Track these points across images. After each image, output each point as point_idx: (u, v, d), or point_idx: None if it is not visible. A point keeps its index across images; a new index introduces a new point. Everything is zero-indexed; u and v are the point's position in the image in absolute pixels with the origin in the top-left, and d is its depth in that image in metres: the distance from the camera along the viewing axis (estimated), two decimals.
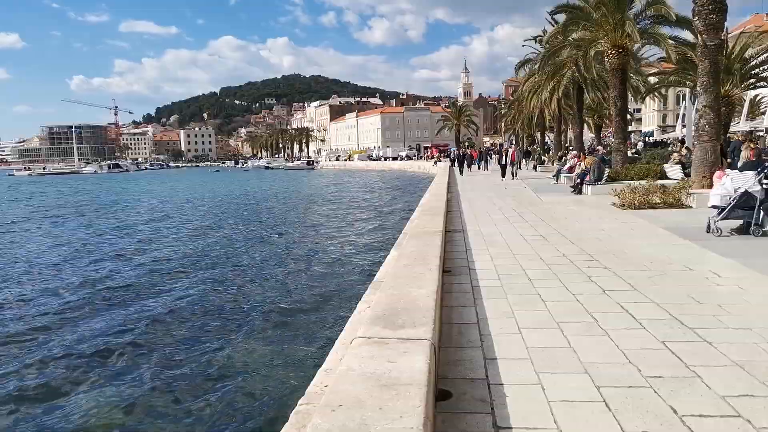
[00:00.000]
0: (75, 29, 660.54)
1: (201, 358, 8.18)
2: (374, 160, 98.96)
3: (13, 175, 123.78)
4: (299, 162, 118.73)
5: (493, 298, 5.21)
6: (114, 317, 10.48)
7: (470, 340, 4.06)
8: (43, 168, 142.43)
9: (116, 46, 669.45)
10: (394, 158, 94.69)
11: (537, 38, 33.80)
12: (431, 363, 2.82)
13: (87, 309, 11.15)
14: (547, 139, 57.84)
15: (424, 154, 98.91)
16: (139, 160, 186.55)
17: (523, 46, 47.77)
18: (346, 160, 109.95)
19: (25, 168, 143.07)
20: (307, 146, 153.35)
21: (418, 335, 3.15)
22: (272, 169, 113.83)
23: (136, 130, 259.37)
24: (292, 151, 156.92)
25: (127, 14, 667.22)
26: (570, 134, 60.71)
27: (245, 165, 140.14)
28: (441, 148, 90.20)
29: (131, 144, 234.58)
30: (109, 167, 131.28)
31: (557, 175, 22.41)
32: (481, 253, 7.62)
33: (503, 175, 24.57)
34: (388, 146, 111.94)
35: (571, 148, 43.45)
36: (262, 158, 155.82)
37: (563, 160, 34.70)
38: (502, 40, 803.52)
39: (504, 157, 25.29)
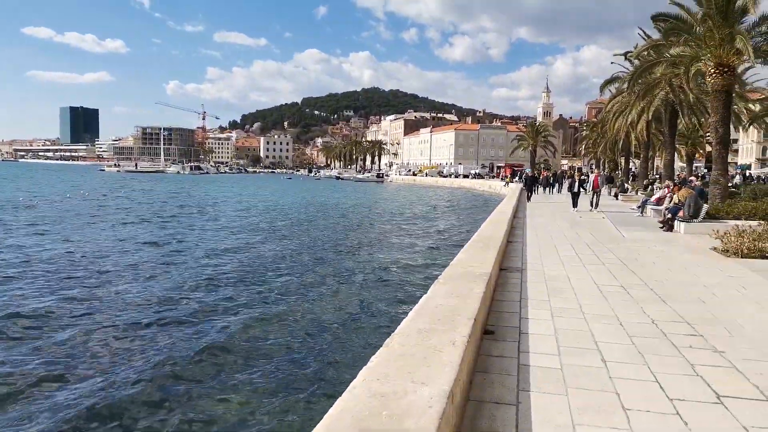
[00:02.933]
0: (173, 37, 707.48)
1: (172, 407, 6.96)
2: (444, 176, 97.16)
3: (103, 170, 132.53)
4: (369, 174, 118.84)
5: (547, 393, 3.55)
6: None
7: None
8: (134, 166, 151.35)
9: (210, 54, 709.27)
10: (465, 176, 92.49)
11: (627, 54, 30.97)
12: None
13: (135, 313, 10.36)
14: (631, 165, 53.82)
15: (497, 173, 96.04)
16: (222, 163, 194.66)
17: (611, 63, 43.56)
18: (415, 174, 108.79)
19: (115, 165, 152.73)
20: (380, 159, 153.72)
21: None
22: (342, 179, 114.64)
23: (221, 135, 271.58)
24: (364, 163, 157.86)
25: (221, 26, 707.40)
26: (657, 161, 56.33)
27: (317, 174, 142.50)
28: (515, 168, 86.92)
29: (215, 148, 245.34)
30: (191, 168, 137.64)
31: (642, 207, 19.86)
32: (540, 306, 5.91)
33: (574, 205, 21.07)
34: (460, 163, 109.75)
35: (658, 177, 39.88)
36: (334, 168, 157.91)
37: (649, 189, 31.60)
38: (587, 60, 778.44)
39: (575, 184, 21.75)
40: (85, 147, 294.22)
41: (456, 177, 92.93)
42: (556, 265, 8.69)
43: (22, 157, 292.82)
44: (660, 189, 20.47)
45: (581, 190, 21.20)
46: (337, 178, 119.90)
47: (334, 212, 37.32)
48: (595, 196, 20.73)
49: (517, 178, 51.89)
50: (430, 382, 2.79)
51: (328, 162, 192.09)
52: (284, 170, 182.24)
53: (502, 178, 70.73)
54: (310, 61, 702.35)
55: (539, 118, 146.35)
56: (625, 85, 32.81)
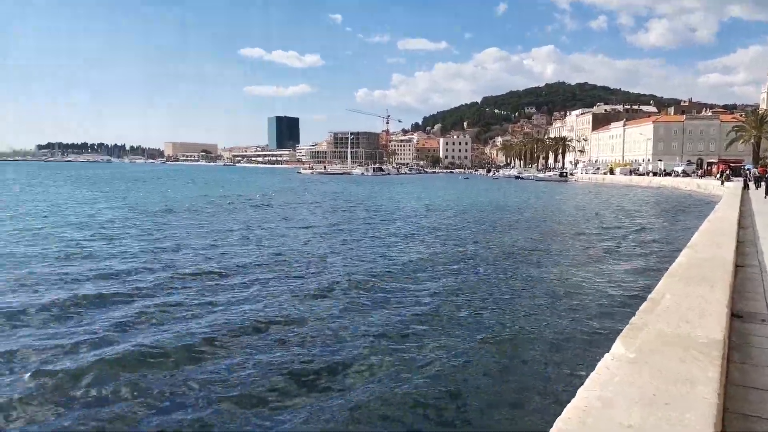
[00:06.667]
0: (362, 48, 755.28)
1: None
2: (639, 174, 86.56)
3: (300, 173, 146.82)
4: (551, 173, 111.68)
5: None
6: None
7: None
8: (324, 168, 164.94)
9: (394, 62, 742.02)
10: (668, 173, 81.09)
11: None
12: None
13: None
14: None
15: (707, 170, 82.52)
16: (403, 164, 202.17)
17: None
18: (605, 173, 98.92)
19: (309, 168, 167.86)
20: (563, 156, 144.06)
21: None
22: (522, 179, 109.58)
23: (403, 137, 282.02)
24: (546, 161, 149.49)
25: (405, 34, 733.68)
26: None
27: (495, 174, 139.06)
28: (731, 164, 73.53)
29: (398, 150, 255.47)
30: (373, 170, 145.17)
31: None
32: None
33: None
34: (660, 159, 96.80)
35: None
36: (513, 167, 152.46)
37: None
38: None
39: None
40: (287, 152, 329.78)
41: (654, 175, 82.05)
42: None
43: (239, 161, 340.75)
44: None
45: None
46: (517, 177, 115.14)
47: (495, 217, 34.06)
48: None
49: (734, 175, 40.46)
50: None
51: (508, 161, 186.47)
52: (462, 170, 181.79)
53: (714, 176, 60.08)
54: (488, 59, 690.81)
55: (763, 105, 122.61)
56: None
